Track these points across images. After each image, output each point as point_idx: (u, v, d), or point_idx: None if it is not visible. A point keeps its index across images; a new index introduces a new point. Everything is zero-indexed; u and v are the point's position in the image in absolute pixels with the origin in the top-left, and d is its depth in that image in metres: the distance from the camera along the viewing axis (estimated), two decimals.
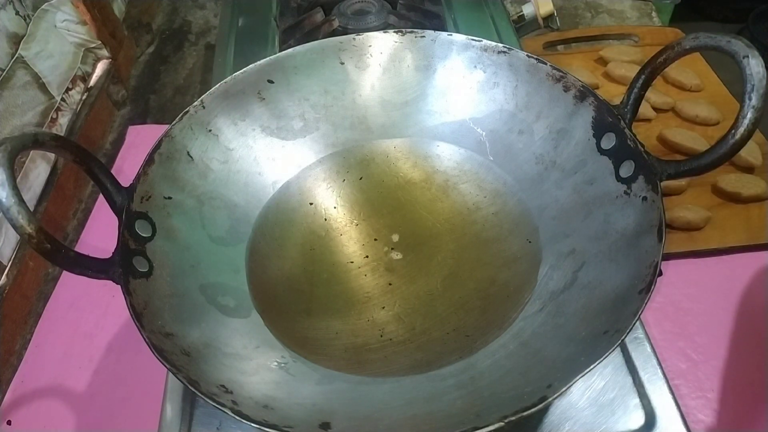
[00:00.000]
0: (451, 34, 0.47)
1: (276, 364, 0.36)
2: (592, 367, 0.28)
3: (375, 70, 0.49)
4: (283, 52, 0.47)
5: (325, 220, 0.45)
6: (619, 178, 0.37)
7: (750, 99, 0.31)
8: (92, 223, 0.62)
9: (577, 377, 0.28)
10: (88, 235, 0.61)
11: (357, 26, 0.61)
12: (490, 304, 0.39)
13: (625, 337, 0.29)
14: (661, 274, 0.31)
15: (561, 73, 0.42)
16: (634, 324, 0.29)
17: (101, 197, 0.46)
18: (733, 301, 0.50)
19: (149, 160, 0.40)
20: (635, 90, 0.37)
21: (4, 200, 0.28)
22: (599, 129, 0.40)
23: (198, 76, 0.80)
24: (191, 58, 0.82)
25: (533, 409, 0.27)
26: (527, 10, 0.71)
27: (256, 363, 0.35)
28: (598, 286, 0.35)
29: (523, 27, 0.72)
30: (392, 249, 0.43)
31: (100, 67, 0.73)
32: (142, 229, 0.37)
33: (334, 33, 0.62)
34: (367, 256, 0.43)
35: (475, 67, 0.46)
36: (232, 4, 0.75)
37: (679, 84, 0.67)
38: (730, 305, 0.50)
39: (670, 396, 0.40)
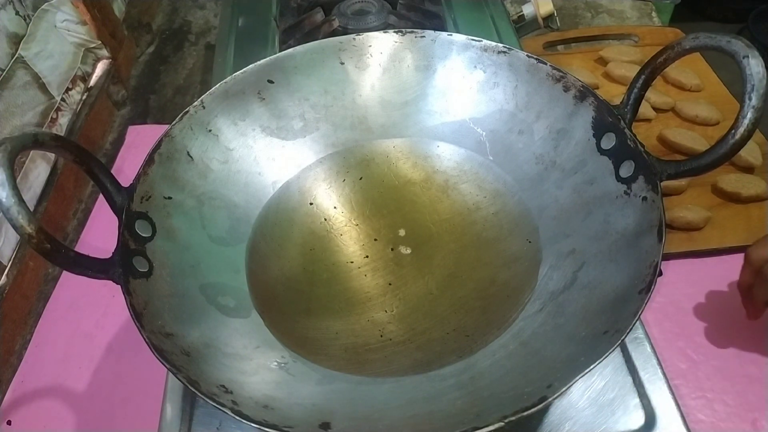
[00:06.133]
0: (451, 34, 0.47)
1: (276, 364, 0.36)
2: (592, 367, 0.28)
3: (375, 70, 0.49)
4: (283, 52, 0.47)
5: (325, 220, 0.45)
6: (619, 178, 0.37)
7: (750, 99, 0.31)
8: (92, 223, 0.62)
9: (577, 377, 0.28)
10: (88, 235, 0.61)
11: (357, 26, 0.61)
12: (490, 304, 0.39)
13: (625, 337, 0.29)
14: (661, 274, 0.31)
15: (561, 73, 0.42)
16: (634, 324, 0.29)
17: (101, 197, 0.46)
18: (733, 301, 0.50)
19: (149, 160, 0.40)
20: (635, 90, 0.37)
21: (4, 200, 0.28)
22: (599, 129, 0.40)
23: (198, 76, 0.79)
24: (191, 58, 0.82)
25: (533, 409, 0.27)
26: (527, 10, 0.71)
27: (256, 363, 0.35)
28: (598, 286, 0.35)
29: (523, 27, 0.72)
30: (392, 249, 0.43)
31: (100, 67, 0.73)
32: (142, 229, 0.37)
33: (334, 33, 0.62)
34: (367, 256, 0.43)
35: (475, 67, 0.46)
36: (232, 4, 0.75)
37: (679, 84, 0.67)
38: (730, 305, 0.50)
39: (670, 396, 0.40)
